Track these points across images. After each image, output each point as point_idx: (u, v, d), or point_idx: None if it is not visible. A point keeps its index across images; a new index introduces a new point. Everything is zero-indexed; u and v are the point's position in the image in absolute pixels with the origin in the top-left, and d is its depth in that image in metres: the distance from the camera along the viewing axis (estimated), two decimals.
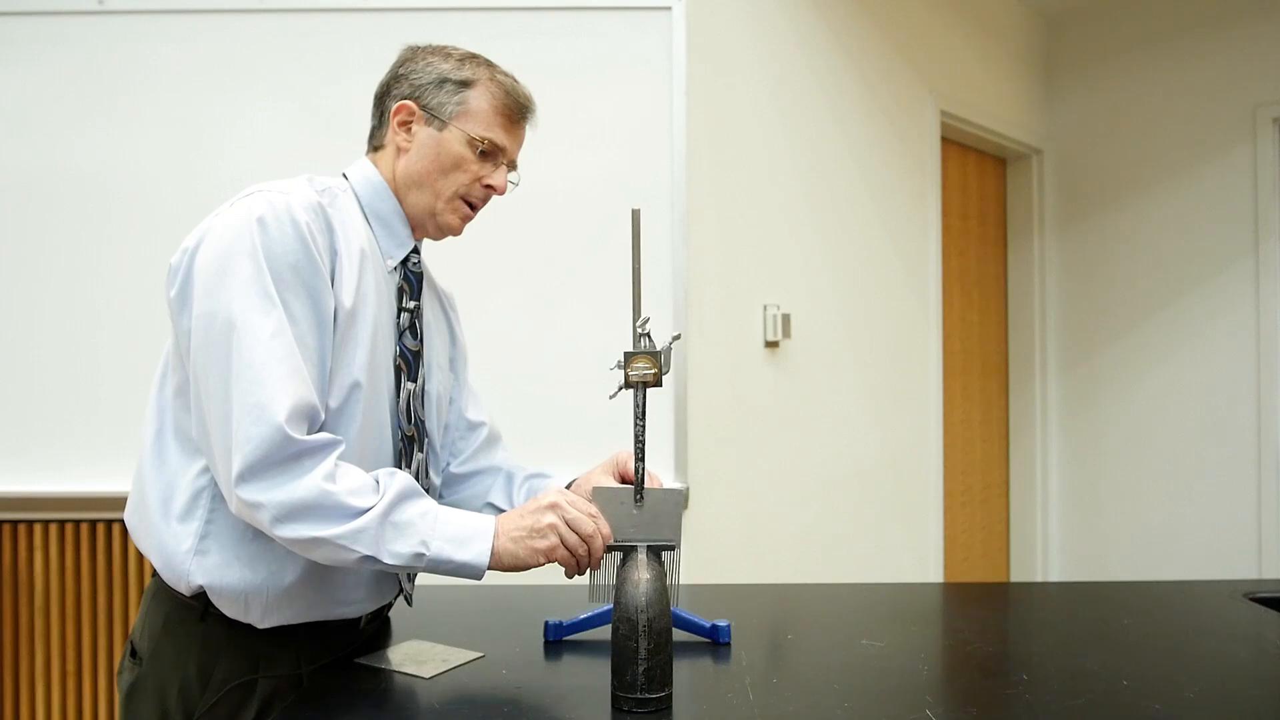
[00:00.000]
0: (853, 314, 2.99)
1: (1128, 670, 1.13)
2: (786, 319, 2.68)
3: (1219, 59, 3.57)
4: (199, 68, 2.31)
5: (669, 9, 2.34)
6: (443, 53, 1.23)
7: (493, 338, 2.31)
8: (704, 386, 2.47)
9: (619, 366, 1.08)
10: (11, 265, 2.29)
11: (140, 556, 2.31)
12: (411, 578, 1.25)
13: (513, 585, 1.59)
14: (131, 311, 2.27)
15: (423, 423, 1.24)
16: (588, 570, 1.12)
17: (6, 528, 2.30)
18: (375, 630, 1.31)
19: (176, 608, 1.11)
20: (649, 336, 1.08)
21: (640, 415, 1.09)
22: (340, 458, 1.05)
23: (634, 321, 1.09)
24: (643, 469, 1.11)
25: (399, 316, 1.21)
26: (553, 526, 1.07)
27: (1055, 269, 3.98)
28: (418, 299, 1.23)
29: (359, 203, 1.20)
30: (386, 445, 1.17)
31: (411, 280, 1.23)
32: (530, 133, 1.32)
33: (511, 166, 1.26)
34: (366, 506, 1.01)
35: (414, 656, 1.19)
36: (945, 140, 3.45)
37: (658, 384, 1.08)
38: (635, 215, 1.09)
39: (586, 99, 2.35)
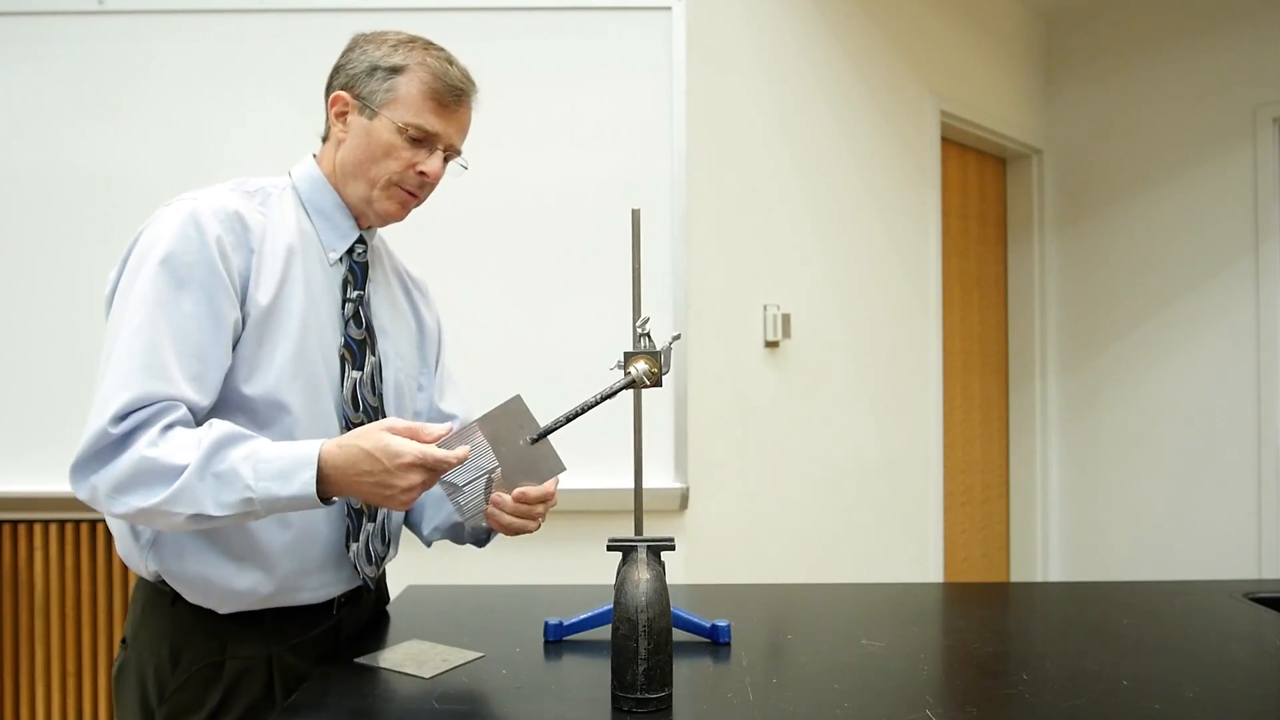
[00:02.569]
0: (853, 314, 2.99)
1: (1128, 670, 1.13)
2: (786, 319, 2.68)
3: (1219, 59, 3.57)
4: (199, 68, 2.31)
5: (669, 9, 2.34)
6: (379, 39, 1.24)
7: (492, 338, 2.31)
8: (704, 386, 2.47)
9: (619, 366, 1.08)
10: (11, 265, 2.29)
11: None
12: (372, 560, 1.25)
13: (513, 585, 1.59)
14: None
15: (374, 409, 1.24)
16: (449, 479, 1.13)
17: (6, 528, 2.30)
18: (361, 620, 1.32)
19: (152, 594, 1.17)
20: (649, 336, 1.08)
21: (606, 394, 1.09)
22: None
23: (634, 321, 1.09)
24: (562, 425, 1.12)
25: (343, 306, 1.23)
26: (416, 487, 1.05)
27: (1055, 269, 3.98)
28: (362, 288, 1.24)
29: (299, 199, 1.23)
30: (331, 432, 1.18)
31: (356, 271, 1.25)
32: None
33: (453, 151, 1.26)
34: (185, 463, 1.01)
35: (414, 656, 1.19)
36: (945, 140, 3.45)
37: (658, 384, 1.08)
38: (635, 215, 1.09)
39: (586, 99, 2.35)
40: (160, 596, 1.15)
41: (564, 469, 1.17)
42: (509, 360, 2.30)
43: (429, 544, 1.40)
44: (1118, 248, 3.80)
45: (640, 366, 1.07)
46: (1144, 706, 1.01)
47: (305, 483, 1.02)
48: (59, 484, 2.26)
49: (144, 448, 1.02)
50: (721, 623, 1.26)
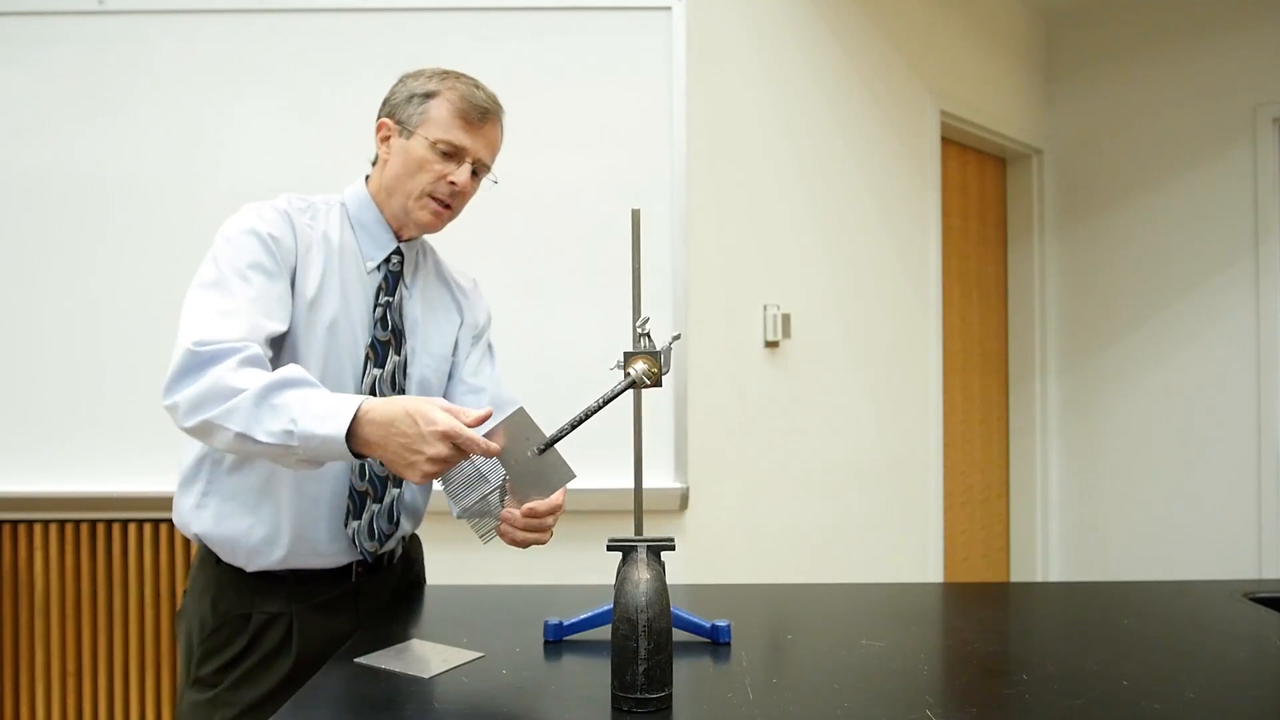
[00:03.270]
0: (853, 314, 2.99)
1: (1128, 670, 1.13)
2: (786, 319, 2.68)
3: (1219, 59, 3.57)
4: (199, 68, 2.31)
5: (669, 9, 2.34)
6: (419, 74, 1.39)
7: (492, 338, 2.31)
8: (704, 386, 2.47)
9: (619, 366, 1.08)
10: (11, 265, 2.29)
11: (139, 557, 2.32)
12: (375, 536, 1.35)
13: (513, 585, 1.59)
14: (132, 311, 2.27)
15: None
16: (456, 489, 1.19)
17: (6, 528, 2.30)
18: (386, 587, 1.45)
19: (204, 555, 1.36)
20: (649, 336, 1.08)
21: (609, 398, 1.09)
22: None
23: (634, 321, 1.09)
24: (568, 433, 1.14)
25: (374, 309, 1.37)
26: (438, 460, 1.10)
27: (1055, 269, 3.98)
28: (392, 294, 1.38)
29: (346, 214, 1.40)
30: None
31: (389, 279, 1.39)
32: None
33: (482, 166, 1.39)
34: (246, 387, 1.12)
35: (414, 656, 1.19)
36: (945, 140, 3.45)
37: (658, 384, 1.08)
38: (635, 215, 1.09)
39: (586, 99, 2.35)
40: (208, 557, 1.34)
41: (573, 476, 1.17)
42: (509, 360, 2.30)
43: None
44: (1118, 248, 3.80)
45: (640, 366, 1.07)
46: (1144, 706, 1.01)
47: (339, 425, 1.10)
48: (59, 484, 2.27)
49: (224, 372, 1.14)
50: (721, 623, 1.26)
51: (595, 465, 2.05)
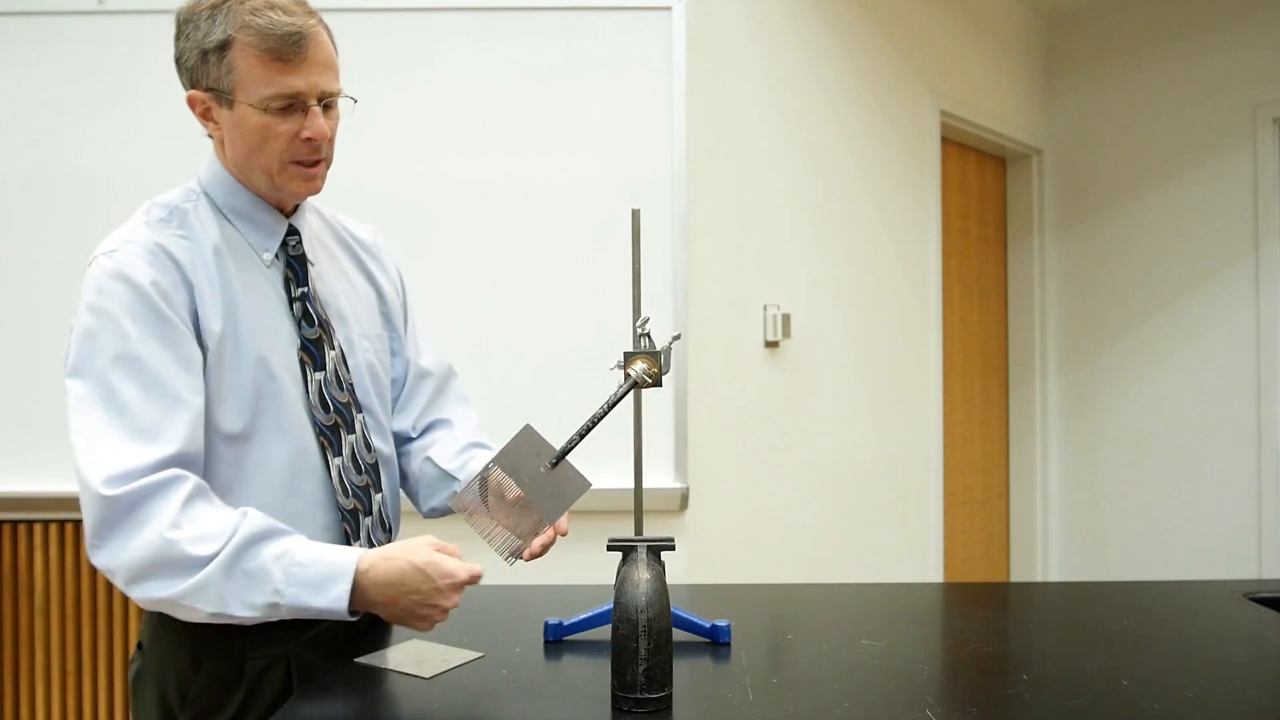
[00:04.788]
0: (853, 314, 2.99)
1: (1128, 670, 1.13)
2: (786, 319, 2.68)
3: (1219, 59, 3.57)
4: None
5: (669, 9, 2.34)
6: (195, 16, 1.13)
7: (492, 338, 2.31)
8: (704, 386, 2.47)
9: (619, 366, 1.08)
10: (11, 265, 2.29)
11: None
12: None
13: (513, 585, 1.59)
14: None
15: (345, 406, 1.22)
16: (480, 524, 1.12)
17: (6, 528, 2.30)
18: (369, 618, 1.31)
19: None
20: (649, 336, 1.08)
21: (613, 403, 1.08)
22: (219, 479, 1.06)
23: (634, 321, 1.08)
24: (577, 444, 1.10)
25: (291, 307, 1.18)
26: (440, 611, 1.05)
27: (1055, 269, 3.98)
28: (305, 284, 1.19)
29: (215, 206, 1.17)
30: (306, 441, 1.17)
31: (295, 266, 1.19)
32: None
33: (329, 96, 1.14)
34: (210, 554, 0.98)
35: (414, 656, 1.19)
36: (945, 140, 3.45)
37: (658, 384, 1.08)
38: (635, 215, 1.09)
39: (586, 99, 2.35)
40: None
41: (589, 485, 1.13)
42: (509, 360, 2.31)
43: (426, 517, 1.40)
44: (1118, 248, 3.80)
45: (640, 366, 1.07)
46: (1144, 706, 1.01)
47: (338, 597, 1.00)
48: (59, 484, 2.27)
49: (166, 529, 0.97)
50: (721, 623, 1.26)
51: (595, 465, 2.05)
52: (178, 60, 1.16)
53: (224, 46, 1.09)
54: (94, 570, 2.32)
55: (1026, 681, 1.10)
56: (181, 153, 2.30)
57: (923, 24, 3.30)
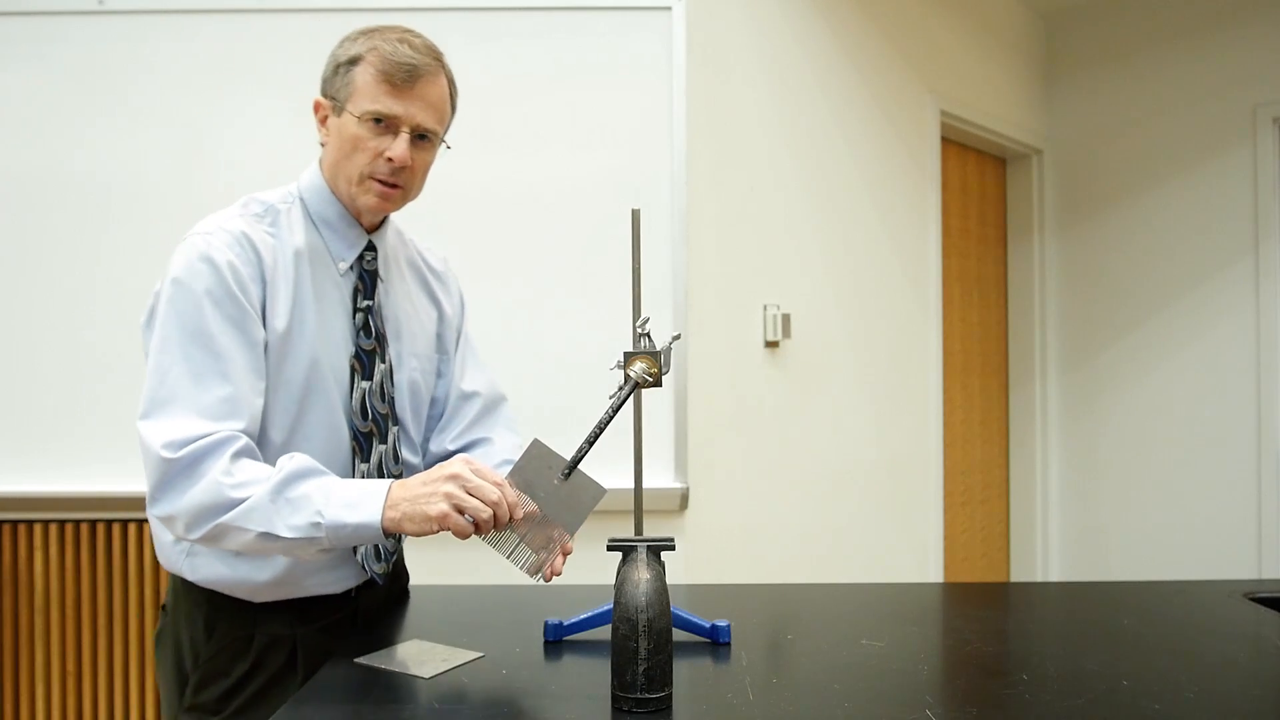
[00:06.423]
0: (853, 314, 2.99)
1: (1128, 670, 1.13)
2: (786, 319, 2.68)
3: (1219, 59, 3.57)
4: (199, 68, 2.31)
5: (669, 9, 2.34)
6: (347, 37, 1.25)
7: (492, 338, 2.31)
8: (704, 386, 2.47)
9: (619, 366, 1.08)
10: (11, 265, 2.29)
11: (139, 557, 2.31)
12: (381, 557, 1.32)
13: (513, 585, 1.59)
14: (131, 311, 2.25)
15: (384, 417, 1.29)
16: (501, 542, 1.14)
17: (6, 528, 2.30)
18: (378, 598, 1.38)
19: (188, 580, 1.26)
20: (649, 336, 1.08)
21: (617, 406, 1.08)
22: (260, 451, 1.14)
23: (634, 321, 1.08)
24: (587, 451, 1.12)
25: (354, 316, 1.27)
26: (448, 495, 1.07)
27: (1055, 269, 3.98)
28: (371, 297, 1.28)
29: (306, 211, 1.26)
30: (341, 443, 1.25)
31: (365, 279, 1.28)
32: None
33: (428, 133, 1.24)
34: (249, 493, 1.07)
35: (414, 656, 1.19)
36: (945, 140, 3.45)
37: (658, 384, 1.08)
38: (635, 215, 1.09)
39: (586, 99, 2.35)
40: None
41: (604, 492, 1.14)
42: (509, 360, 2.30)
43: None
44: (1118, 248, 3.80)
45: (640, 366, 1.07)
46: (1144, 706, 1.01)
47: (372, 511, 1.07)
48: (59, 484, 2.27)
49: (219, 475, 1.07)
50: (721, 623, 1.26)
51: (595, 466, 2.06)
52: (323, 75, 1.28)
53: (353, 62, 1.21)
54: (94, 570, 2.32)
55: (1026, 681, 1.10)
56: (181, 152, 2.32)
57: (923, 24, 3.30)
